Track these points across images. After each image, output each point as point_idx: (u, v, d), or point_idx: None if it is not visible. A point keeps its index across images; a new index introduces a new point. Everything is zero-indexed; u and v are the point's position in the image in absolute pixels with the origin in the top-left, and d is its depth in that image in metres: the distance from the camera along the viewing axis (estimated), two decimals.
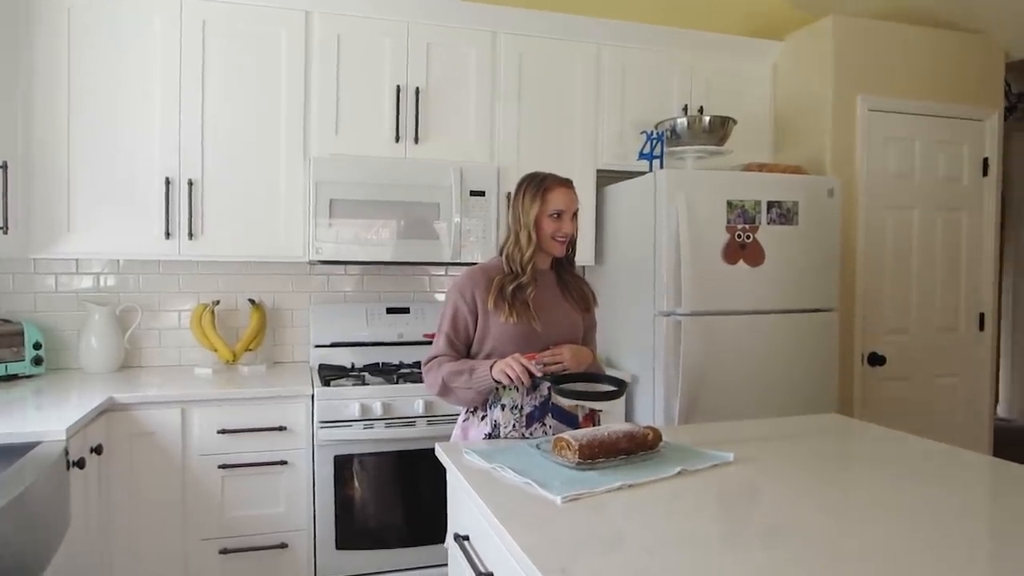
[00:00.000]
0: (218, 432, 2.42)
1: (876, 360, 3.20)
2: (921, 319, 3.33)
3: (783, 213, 2.79)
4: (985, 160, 3.41)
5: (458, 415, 2.06)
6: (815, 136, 3.21)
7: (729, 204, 2.71)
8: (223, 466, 2.42)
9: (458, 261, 2.83)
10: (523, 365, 1.79)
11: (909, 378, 3.30)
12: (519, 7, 3.00)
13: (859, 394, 3.18)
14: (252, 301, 2.96)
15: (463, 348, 1.96)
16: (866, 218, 3.18)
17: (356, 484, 2.54)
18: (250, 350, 2.93)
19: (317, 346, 3.00)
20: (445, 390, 1.91)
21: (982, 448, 3.34)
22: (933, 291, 3.34)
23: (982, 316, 3.45)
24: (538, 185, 1.98)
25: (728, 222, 2.71)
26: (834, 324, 2.90)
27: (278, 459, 2.48)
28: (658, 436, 1.69)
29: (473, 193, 2.83)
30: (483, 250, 2.83)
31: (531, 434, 1.87)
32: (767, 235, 2.77)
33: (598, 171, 3.10)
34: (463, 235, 2.81)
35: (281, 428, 2.48)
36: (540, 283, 1.98)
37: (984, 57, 3.39)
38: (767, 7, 3.68)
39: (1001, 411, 5.54)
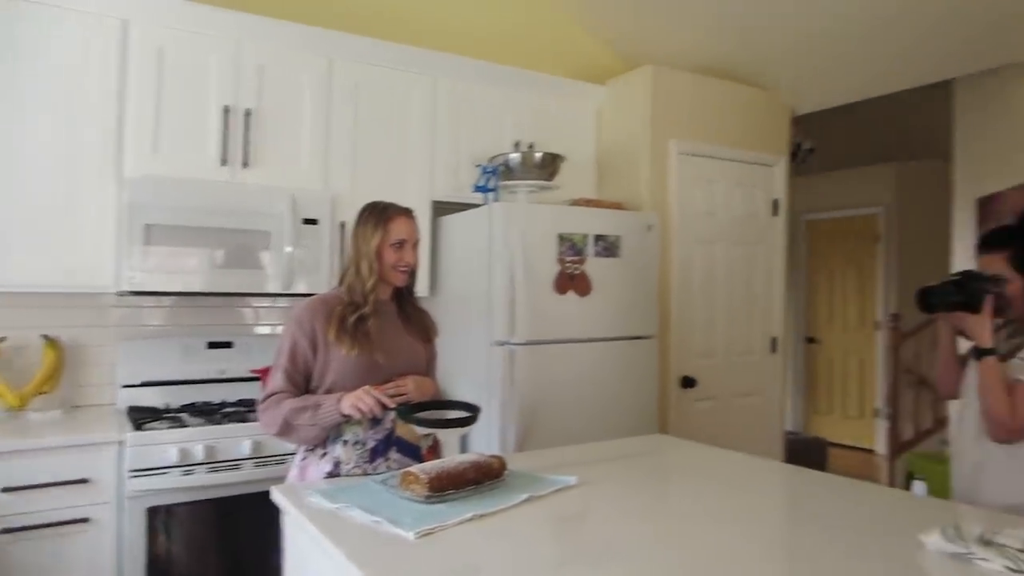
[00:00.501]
0: (1, 491, 2.11)
1: (688, 383, 3.46)
2: (725, 344, 3.65)
3: (608, 246, 2.96)
4: (775, 201, 3.84)
5: (292, 454, 1.96)
6: (634, 175, 3.45)
7: (560, 237, 2.83)
8: (7, 530, 2.10)
9: (289, 292, 2.71)
10: (375, 397, 1.74)
11: (716, 398, 3.60)
12: (357, 34, 2.96)
13: (674, 414, 3.41)
14: (46, 337, 2.64)
15: (302, 383, 1.88)
16: (679, 251, 3.46)
17: (172, 539, 2.32)
18: (44, 393, 2.59)
19: (126, 386, 2.72)
20: (286, 429, 1.81)
21: (776, 458, 3.71)
22: (734, 318, 3.68)
23: (774, 340, 3.85)
24: (380, 214, 1.95)
25: (559, 254, 2.83)
26: (654, 350, 3.11)
27: (78, 516, 2.20)
28: (503, 464, 1.71)
29: (306, 221, 2.73)
30: (315, 280, 2.73)
31: (375, 470, 1.81)
32: (594, 267, 2.92)
33: (433, 202, 3.11)
34: (295, 264, 2.70)
35: (82, 481, 2.20)
36: (382, 314, 1.94)
37: (774, 111, 3.84)
38: (592, 54, 3.92)
39: (788, 426, 6.19)
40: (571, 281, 2.86)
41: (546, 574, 1.22)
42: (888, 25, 3.21)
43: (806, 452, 4.67)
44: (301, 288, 2.70)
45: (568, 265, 2.85)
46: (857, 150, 5.97)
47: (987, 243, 1.95)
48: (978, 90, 4.19)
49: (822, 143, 5.31)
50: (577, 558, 1.31)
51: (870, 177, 6.19)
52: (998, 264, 1.87)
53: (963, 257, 4.12)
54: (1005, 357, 1.81)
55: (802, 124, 4.38)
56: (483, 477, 1.63)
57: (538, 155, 3.04)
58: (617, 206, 3.19)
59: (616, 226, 2.98)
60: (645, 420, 3.03)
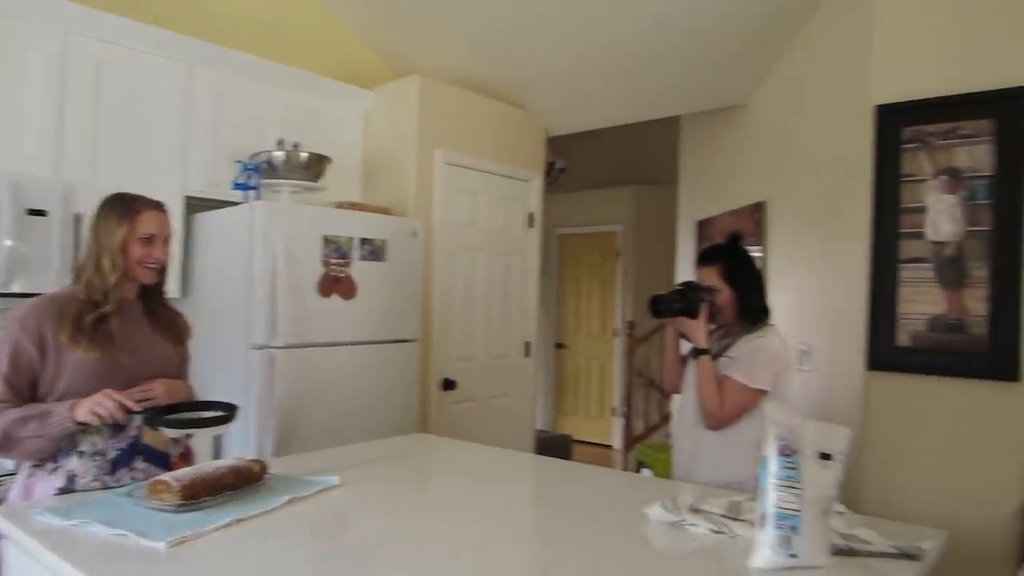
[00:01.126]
0: None
1: (449, 385, 3.59)
2: (483, 348, 3.84)
3: (374, 250, 2.98)
4: (531, 215, 4.12)
5: (11, 474, 1.74)
6: (400, 181, 3.51)
7: (325, 239, 2.80)
8: None
9: (9, 291, 2.38)
10: (117, 400, 1.60)
11: (474, 399, 3.77)
12: (99, 8, 2.69)
13: (435, 416, 3.52)
14: None
15: (27, 391, 1.67)
16: (441, 258, 3.58)
17: None
18: None
19: None
20: (6, 443, 1.60)
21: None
22: (492, 323, 3.89)
23: (528, 344, 4.13)
24: (126, 206, 1.81)
25: (324, 256, 2.80)
26: (416, 353, 3.19)
27: None
28: (264, 468, 1.67)
29: (32, 212, 2.42)
30: (43, 279, 2.43)
31: (117, 482, 1.67)
32: (359, 270, 2.92)
33: (187, 197, 2.92)
34: (16, 261, 2.38)
35: None
36: (126, 314, 1.80)
37: (532, 130, 4.12)
38: (362, 58, 3.92)
39: (538, 425, 6.63)
40: (336, 284, 2.84)
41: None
42: (628, 66, 3.62)
43: (553, 448, 5.04)
44: (27, 287, 2.39)
45: (333, 268, 2.83)
46: (603, 172, 6.59)
47: (703, 258, 2.28)
48: (699, 128, 4.85)
49: (573, 164, 5.78)
50: (338, 557, 1.33)
51: (612, 197, 6.86)
52: (712, 276, 2.20)
53: (685, 271, 4.72)
54: (716, 356, 2.14)
55: (556, 144, 4.75)
56: (243, 482, 1.58)
57: (304, 155, 2.98)
58: (384, 211, 3.23)
59: (382, 230, 3.02)
60: (407, 421, 3.10)
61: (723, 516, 1.47)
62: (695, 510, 1.50)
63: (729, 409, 2.05)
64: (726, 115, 4.27)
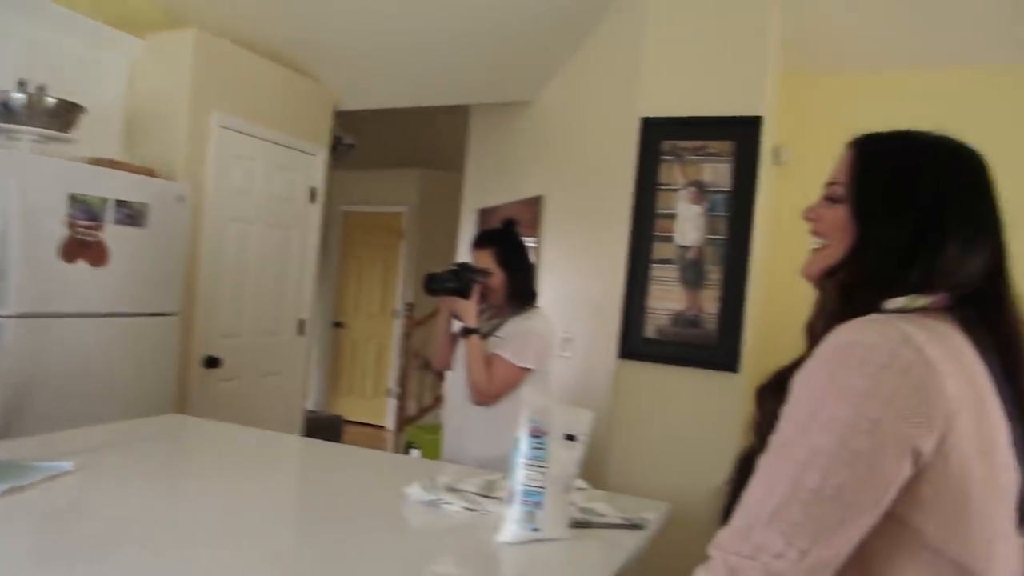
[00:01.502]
0: None
1: (212, 362, 3.39)
2: (252, 324, 3.67)
3: (132, 214, 2.72)
4: (313, 189, 3.99)
5: None
6: (168, 141, 3.23)
7: (72, 198, 2.51)
8: None
9: None
10: None
11: (240, 377, 3.59)
12: None
13: (197, 394, 3.31)
14: None
15: None
16: (211, 227, 3.35)
17: None
18: None
19: None
20: None
21: (296, 434, 3.87)
22: (264, 299, 3.72)
23: (302, 322, 4.01)
24: None
25: (69, 217, 2.51)
26: (175, 328, 2.97)
27: None
28: None
29: None
30: None
31: None
32: (114, 235, 2.66)
33: None
34: None
35: None
36: None
37: (320, 102, 3.98)
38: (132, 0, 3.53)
39: (310, 405, 6.47)
40: (83, 248, 2.56)
41: (23, 572, 1.11)
42: (425, 50, 3.64)
43: (324, 429, 4.95)
44: None
45: (80, 230, 2.55)
46: (392, 153, 6.54)
47: (478, 242, 2.37)
48: (488, 118, 4.99)
49: (363, 141, 5.68)
50: (68, 553, 1.22)
51: (400, 178, 6.84)
52: (487, 259, 2.29)
53: (467, 257, 4.85)
54: (486, 336, 2.23)
55: (346, 120, 4.64)
56: None
57: (50, 100, 2.63)
58: (148, 172, 2.95)
59: (143, 193, 2.77)
60: (162, 401, 2.88)
61: (477, 494, 1.55)
62: (451, 489, 1.57)
63: (497, 386, 2.15)
64: (514, 109, 4.44)
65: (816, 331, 0.94)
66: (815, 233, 1.00)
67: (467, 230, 5.08)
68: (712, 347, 2.68)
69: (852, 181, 0.96)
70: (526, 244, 2.46)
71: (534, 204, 3.88)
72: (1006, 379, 0.89)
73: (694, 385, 2.72)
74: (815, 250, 1.00)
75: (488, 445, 2.13)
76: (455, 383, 2.34)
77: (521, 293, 2.29)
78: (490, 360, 2.17)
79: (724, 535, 0.83)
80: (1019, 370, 0.90)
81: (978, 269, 0.90)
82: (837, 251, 0.96)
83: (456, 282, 2.24)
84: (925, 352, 0.80)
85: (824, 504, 0.77)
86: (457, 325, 2.32)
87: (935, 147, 0.96)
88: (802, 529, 0.77)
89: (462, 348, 2.26)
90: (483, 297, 2.26)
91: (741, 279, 2.65)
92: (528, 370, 2.16)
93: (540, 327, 2.25)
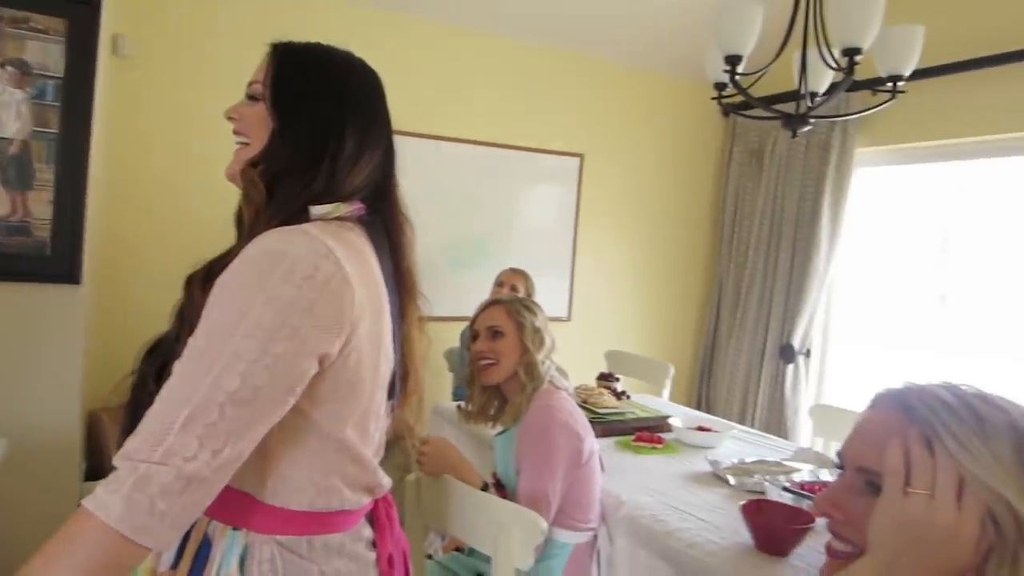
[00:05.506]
0: None
1: None
2: None
3: None
4: None
5: None
6: None
7: None
8: None
9: None
10: None
11: None
12: None
13: None
14: None
15: None
16: None
17: None
18: None
19: None
20: None
21: None
22: None
23: None
24: None
25: None
26: None
27: None
28: None
29: None
30: None
31: None
32: None
33: None
34: None
35: None
36: None
37: None
38: None
39: None
40: None
41: None
42: None
43: None
44: None
45: None
46: None
47: None
48: None
49: None
50: None
51: None
52: None
53: None
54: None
55: None
56: None
57: None
58: None
59: None
60: None
61: None
62: None
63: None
64: None
65: (244, 225, 0.98)
66: (237, 132, 1.04)
67: None
68: (46, 257, 2.34)
69: (269, 81, 1.02)
70: None
71: None
72: (394, 282, 1.06)
73: (24, 301, 2.35)
74: (237, 149, 1.04)
75: None
76: None
77: None
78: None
79: (133, 444, 0.80)
80: (402, 274, 1.09)
81: (375, 164, 1.05)
82: (255, 148, 1.01)
83: None
84: (343, 266, 0.89)
85: (240, 406, 0.81)
86: None
87: (342, 60, 1.08)
88: (217, 430, 0.80)
89: None
90: None
91: (80, 180, 2.37)
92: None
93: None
